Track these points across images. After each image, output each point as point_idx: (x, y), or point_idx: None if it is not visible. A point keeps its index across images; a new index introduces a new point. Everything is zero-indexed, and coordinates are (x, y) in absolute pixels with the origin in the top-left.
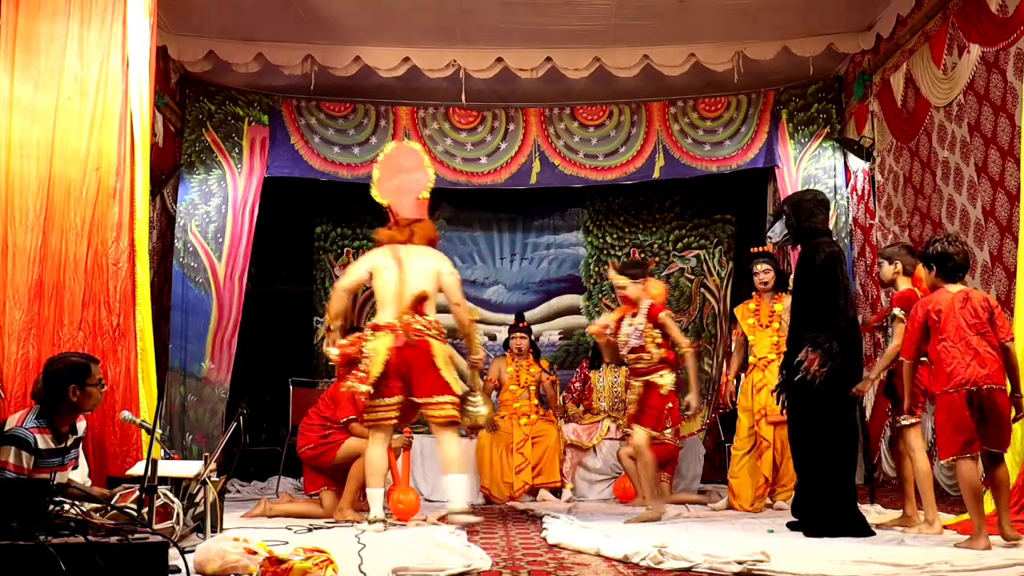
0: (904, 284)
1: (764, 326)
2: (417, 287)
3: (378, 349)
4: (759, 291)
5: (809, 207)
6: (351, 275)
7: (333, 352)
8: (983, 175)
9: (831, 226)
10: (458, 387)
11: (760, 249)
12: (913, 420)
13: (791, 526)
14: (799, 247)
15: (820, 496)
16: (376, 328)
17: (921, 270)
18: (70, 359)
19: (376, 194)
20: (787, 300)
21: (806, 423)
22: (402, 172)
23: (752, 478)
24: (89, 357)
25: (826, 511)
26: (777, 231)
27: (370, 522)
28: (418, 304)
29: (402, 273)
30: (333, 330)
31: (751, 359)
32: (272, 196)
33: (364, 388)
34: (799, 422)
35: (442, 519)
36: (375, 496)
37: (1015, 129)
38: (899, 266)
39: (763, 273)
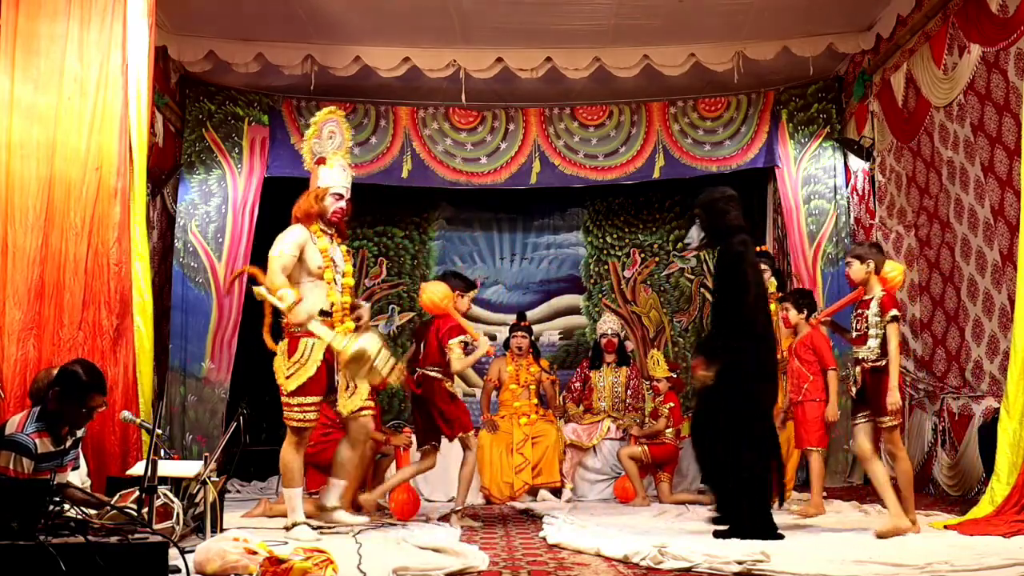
0: (877, 284)
1: None
2: None
3: None
4: None
5: (719, 205)
6: None
7: None
8: (990, 174)
9: (832, 227)
10: (283, 382)
11: (757, 249)
12: (895, 421)
13: (716, 535)
14: (718, 248)
15: (738, 501)
16: None
17: (887, 267)
18: (79, 378)
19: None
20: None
21: (714, 429)
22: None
23: None
24: (97, 383)
25: (744, 515)
26: (694, 236)
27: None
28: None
29: None
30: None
31: None
32: (272, 196)
33: None
34: (704, 427)
35: (444, 519)
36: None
37: (1020, 128)
38: (871, 265)
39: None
